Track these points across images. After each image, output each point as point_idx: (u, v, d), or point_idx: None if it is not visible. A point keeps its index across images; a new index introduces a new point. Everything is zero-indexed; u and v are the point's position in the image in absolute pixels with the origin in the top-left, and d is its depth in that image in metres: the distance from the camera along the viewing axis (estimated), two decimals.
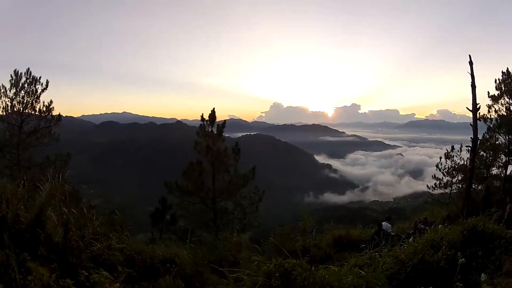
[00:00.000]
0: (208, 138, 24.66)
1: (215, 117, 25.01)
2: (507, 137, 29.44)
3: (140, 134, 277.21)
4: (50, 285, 5.77)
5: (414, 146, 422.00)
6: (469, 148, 26.08)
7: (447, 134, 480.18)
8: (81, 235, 8.01)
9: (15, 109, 24.55)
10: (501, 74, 29.63)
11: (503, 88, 29.29)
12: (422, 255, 8.79)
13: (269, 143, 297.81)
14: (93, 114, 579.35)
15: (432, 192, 34.33)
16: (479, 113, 25.87)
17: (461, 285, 7.08)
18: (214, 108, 25.12)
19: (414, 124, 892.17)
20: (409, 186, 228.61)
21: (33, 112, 24.88)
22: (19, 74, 24.59)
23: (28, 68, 24.76)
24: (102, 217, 9.82)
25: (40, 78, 25.06)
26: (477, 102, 24.65)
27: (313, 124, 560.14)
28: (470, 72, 24.26)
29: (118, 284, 7.50)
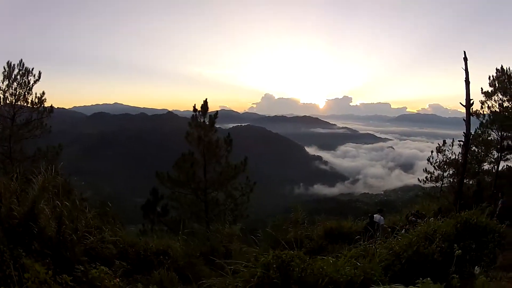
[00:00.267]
0: (200, 129, 24.60)
1: (207, 108, 24.97)
2: (499, 133, 29.90)
3: (131, 125, 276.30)
4: (47, 282, 5.70)
5: (405, 140, 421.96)
6: (462, 142, 26.21)
7: (439, 129, 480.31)
8: (74, 228, 7.97)
9: (7, 101, 24.35)
10: (495, 71, 29.89)
11: (496, 85, 29.63)
12: (416, 247, 8.88)
13: (260, 134, 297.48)
14: (84, 106, 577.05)
15: (423, 185, 34.59)
16: (472, 108, 25.98)
17: (457, 276, 7.09)
18: (206, 99, 25.11)
19: (406, 118, 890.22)
20: (399, 179, 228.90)
21: (25, 104, 24.68)
22: (12, 65, 24.36)
23: (21, 60, 24.54)
24: (94, 210, 9.75)
25: (32, 69, 24.86)
26: (471, 98, 24.77)
27: (304, 116, 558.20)
28: (464, 68, 24.41)
29: (118, 280, 7.45)
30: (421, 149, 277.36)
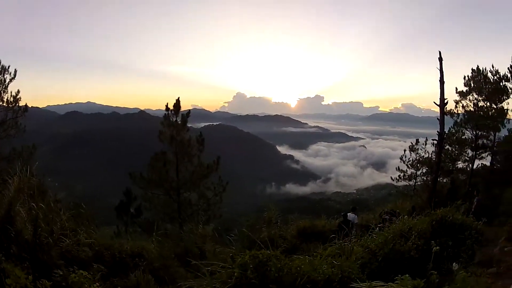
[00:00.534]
0: (172, 128, 24.48)
1: (180, 107, 24.90)
2: (474, 132, 30.31)
3: (104, 125, 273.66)
4: (28, 287, 5.63)
5: (377, 139, 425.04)
6: (435, 141, 26.53)
7: (412, 128, 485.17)
8: (49, 230, 7.88)
9: None
10: (470, 71, 30.37)
11: (472, 85, 30.14)
12: (392, 244, 8.97)
13: (231, 133, 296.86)
14: (57, 104, 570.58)
15: (395, 184, 34.94)
16: (446, 108, 26.31)
17: (435, 273, 7.17)
18: (178, 98, 25.01)
19: (378, 117, 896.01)
20: (371, 178, 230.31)
21: (1, 103, 24.27)
22: None
23: None
24: (69, 211, 9.63)
25: (8, 67, 24.31)
26: (445, 98, 25.10)
27: (276, 115, 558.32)
28: (439, 68, 24.69)
29: (97, 284, 7.38)
30: (393, 148, 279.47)
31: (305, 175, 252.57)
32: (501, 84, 29.30)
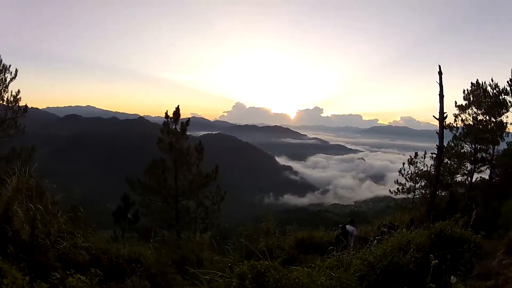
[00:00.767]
0: (171, 136, 24.38)
1: (179, 115, 24.79)
2: (473, 146, 30.40)
3: (103, 129, 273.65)
4: None
5: (376, 151, 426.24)
6: (434, 155, 26.57)
7: (411, 141, 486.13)
8: (47, 232, 7.85)
9: None
10: (470, 84, 30.43)
11: (471, 99, 30.20)
12: (391, 257, 8.92)
13: (230, 143, 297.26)
14: (57, 106, 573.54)
15: (394, 197, 34.81)
16: (445, 121, 26.40)
17: (434, 286, 7.14)
18: (178, 106, 24.89)
19: (377, 130, 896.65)
20: (370, 191, 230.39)
21: (1, 102, 24.29)
22: None
23: None
24: (66, 214, 9.58)
25: (9, 66, 24.35)
26: (444, 111, 25.13)
27: (275, 126, 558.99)
28: (438, 82, 24.82)
29: None
30: (392, 161, 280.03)
31: (304, 186, 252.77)
32: (500, 97, 29.37)
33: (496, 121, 29.62)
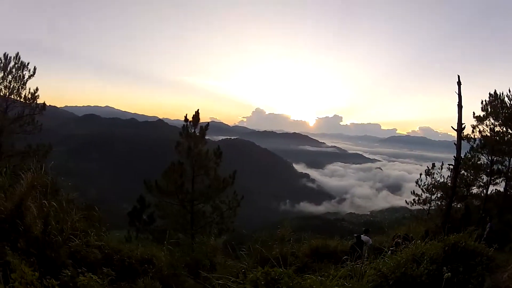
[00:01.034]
0: (190, 140, 24.38)
1: (199, 119, 24.85)
2: (490, 158, 29.94)
3: (121, 130, 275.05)
4: (34, 284, 5.56)
5: (394, 161, 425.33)
6: (452, 166, 26.31)
7: (428, 151, 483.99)
8: (59, 229, 7.85)
9: (1, 94, 24.34)
10: (488, 95, 29.96)
11: (489, 109, 29.69)
12: (404, 268, 8.82)
13: (248, 148, 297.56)
14: (76, 106, 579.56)
15: (410, 207, 34.58)
16: (463, 132, 26.15)
17: None
18: (198, 110, 25.00)
19: (395, 139, 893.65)
20: (386, 201, 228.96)
21: (18, 99, 24.57)
22: (8, 57, 24.27)
23: (18, 53, 24.44)
24: (80, 212, 9.59)
25: (28, 64, 24.77)
26: (462, 122, 24.90)
27: (294, 133, 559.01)
28: (457, 92, 24.60)
29: None
30: (409, 171, 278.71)
31: (320, 194, 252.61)
32: None
33: None
